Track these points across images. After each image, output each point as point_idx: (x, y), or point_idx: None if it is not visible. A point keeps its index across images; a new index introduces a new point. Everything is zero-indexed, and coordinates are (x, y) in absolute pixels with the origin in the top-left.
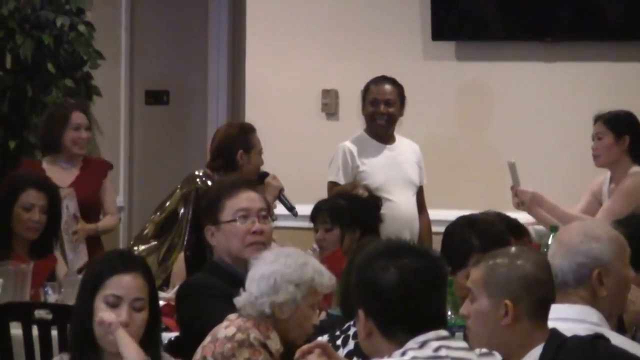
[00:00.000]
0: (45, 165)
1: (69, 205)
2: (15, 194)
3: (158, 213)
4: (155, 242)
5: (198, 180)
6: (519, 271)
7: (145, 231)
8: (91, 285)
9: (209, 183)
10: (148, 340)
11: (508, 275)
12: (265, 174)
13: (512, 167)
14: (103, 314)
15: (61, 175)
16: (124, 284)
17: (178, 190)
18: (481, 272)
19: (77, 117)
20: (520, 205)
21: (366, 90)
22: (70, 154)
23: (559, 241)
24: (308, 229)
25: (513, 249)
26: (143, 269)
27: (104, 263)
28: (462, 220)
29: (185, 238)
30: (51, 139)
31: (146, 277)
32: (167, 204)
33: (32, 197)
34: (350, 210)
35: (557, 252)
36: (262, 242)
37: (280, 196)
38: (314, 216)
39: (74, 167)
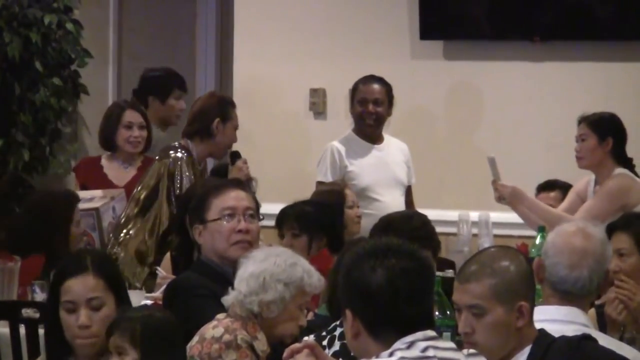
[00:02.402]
0: (103, 161)
1: (116, 207)
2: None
3: (139, 188)
4: (140, 221)
5: (172, 152)
6: (517, 270)
7: (127, 210)
8: (53, 294)
9: (180, 155)
10: None
11: (513, 278)
12: (237, 155)
13: (492, 162)
14: None
15: (119, 173)
16: (74, 288)
17: (156, 163)
18: (487, 284)
19: (129, 116)
20: (501, 199)
21: (354, 90)
22: (125, 153)
23: (577, 250)
24: None
25: (489, 251)
26: (92, 266)
27: (58, 269)
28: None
29: (167, 217)
30: (106, 138)
31: (97, 274)
32: (147, 180)
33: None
34: (316, 217)
35: (583, 262)
36: (248, 240)
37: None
38: (280, 222)
39: (132, 167)
